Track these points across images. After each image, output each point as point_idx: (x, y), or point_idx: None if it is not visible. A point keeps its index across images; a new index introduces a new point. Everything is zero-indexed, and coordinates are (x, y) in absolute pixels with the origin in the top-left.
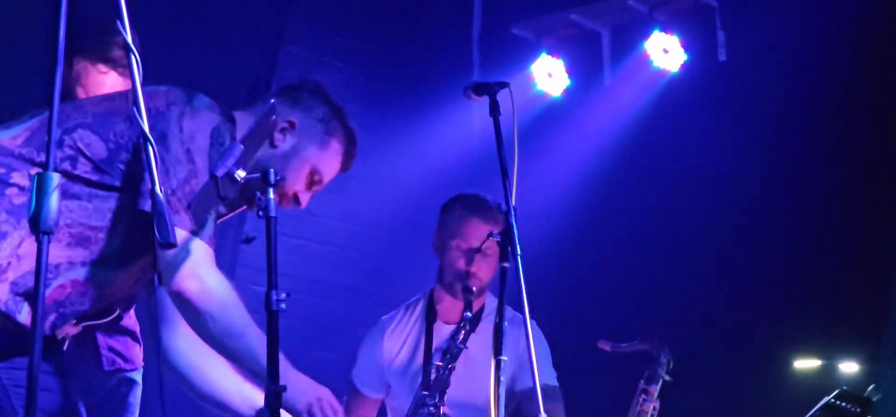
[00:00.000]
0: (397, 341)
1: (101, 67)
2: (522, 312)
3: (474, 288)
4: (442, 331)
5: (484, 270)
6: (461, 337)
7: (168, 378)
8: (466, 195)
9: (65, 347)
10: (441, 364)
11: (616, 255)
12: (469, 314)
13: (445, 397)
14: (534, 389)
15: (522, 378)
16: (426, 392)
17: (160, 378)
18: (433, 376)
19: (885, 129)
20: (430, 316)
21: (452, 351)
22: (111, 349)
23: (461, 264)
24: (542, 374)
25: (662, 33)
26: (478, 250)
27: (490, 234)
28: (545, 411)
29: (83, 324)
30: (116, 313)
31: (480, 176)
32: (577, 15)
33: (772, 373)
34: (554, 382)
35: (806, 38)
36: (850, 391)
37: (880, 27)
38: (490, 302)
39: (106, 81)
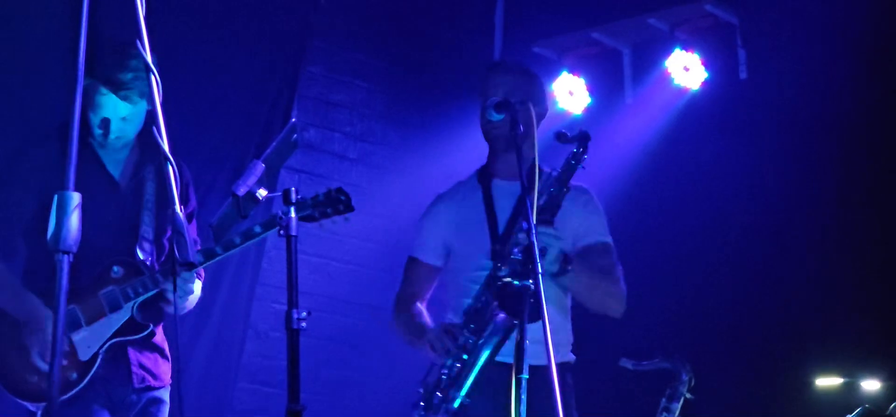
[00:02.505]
0: (456, 207)
1: (102, 90)
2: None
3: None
4: (500, 187)
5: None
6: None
7: (189, 395)
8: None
9: (97, 364)
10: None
11: (638, 272)
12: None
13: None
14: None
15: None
16: (499, 265)
17: (179, 395)
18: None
19: None
20: (486, 179)
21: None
22: (141, 365)
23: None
24: (598, 234)
25: (683, 51)
26: (524, 102)
27: (511, 252)
28: (600, 268)
29: (117, 339)
30: (150, 329)
31: None
32: (598, 33)
33: (794, 392)
34: (608, 240)
35: (828, 55)
36: (873, 409)
37: None
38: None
39: (105, 104)
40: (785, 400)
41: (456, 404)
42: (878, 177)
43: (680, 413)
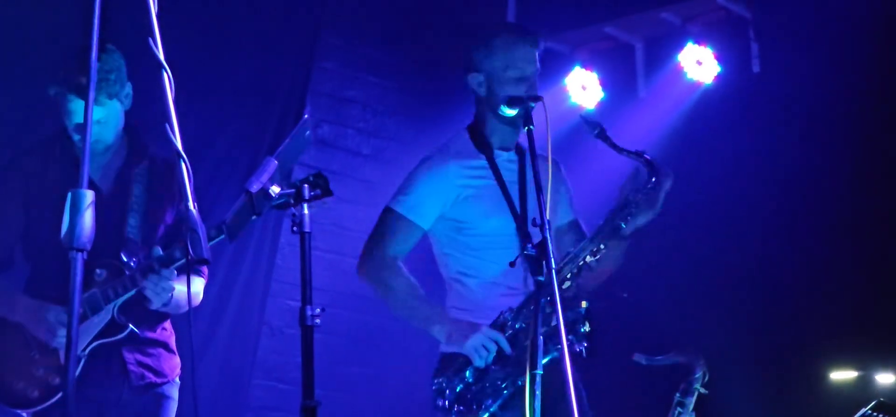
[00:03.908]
0: (457, 174)
1: (70, 96)
2: (557, 317)
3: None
4: (501, 158)
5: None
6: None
7: (203, 392)
8: (505, 23)
9: (79, 366)
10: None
11: (650, 268)
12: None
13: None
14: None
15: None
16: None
17: (194, 392)
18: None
19: None
20: (487, 148)
21: None
22: (140, 363)
23: (521, 89)
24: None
25: (696, 45)
26: (531, 76)
27: (525, 247)
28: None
29: (98, 341)
30: (129, 329)
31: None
32: (611, 28)
33: (808, 385)
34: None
35: (840, 48)
36: (888, 401)
37: None
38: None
39: (75, 110)
40: (800, 394)
41: None
42: (892, 170)
43: (694, 408)
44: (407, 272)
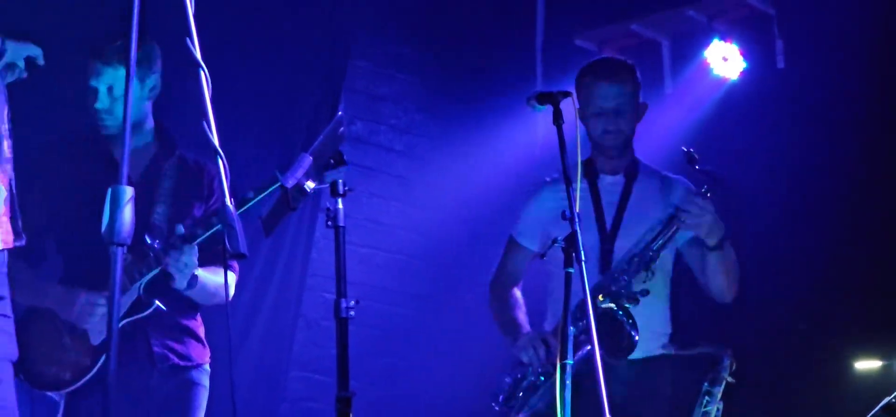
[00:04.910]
0: (562, 196)
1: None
2: (587, 316)
3: (613, 144)
4: (605, 181)
5: (621, 124)
6: None
7: (241, 383)
8: (594, 62)
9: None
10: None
11: (678, 261)
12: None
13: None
14: None
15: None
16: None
17: (232, 383)
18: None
19: None
20: (591, 172)
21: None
22: (164, 345)
23: (597, 126)
24: None
25: (722, 42)
26: (606, 111)
27: (554, 240)
28: None
29: (127, 320)
30: (154, 305)
31: None
32: (638, 26)
33: (833, 375)
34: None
35: (864, 43)
36: None
37: None
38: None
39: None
40: (825, 384)
41: (521, 416)
42: None
43: (722, 397)
44: (512, 295)
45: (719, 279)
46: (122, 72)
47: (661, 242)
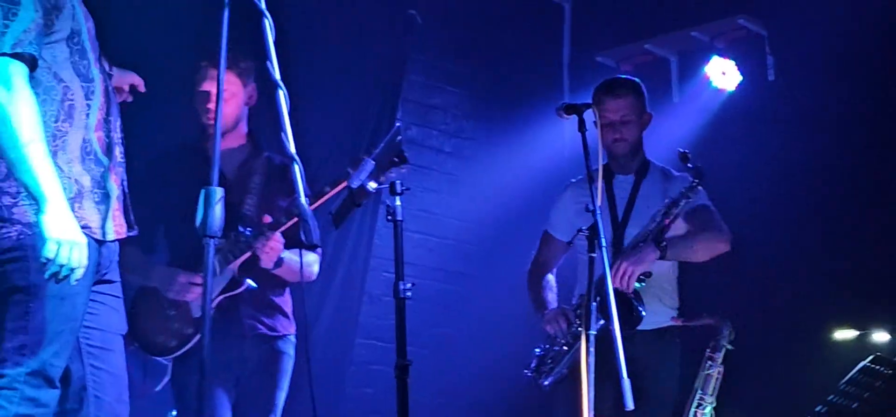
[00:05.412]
0: (583, 194)
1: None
2: (606, 293)
3: (620, 152)
4: (619, 180)
5: (625, 133)
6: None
7: (315, 349)
8: (603, 81)
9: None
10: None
11: None
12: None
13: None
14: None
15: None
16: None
17: (307, 349)
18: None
19: None
20: (608, 173)
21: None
22: (254, 317)
23: (607, 135)
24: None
25: (721, 58)
26: (613, 122)
27: (579, 230)
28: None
29: (223, 296)
30: (245, 283)
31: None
32: (650, 45)
33: (815, 343)
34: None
35: (843, 59)
36: (883, 356)
37: None
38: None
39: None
40: (808, 351)
41: (547, 381)
42: (886, 161)
43: (722, 362)
44: (545, 279)
45: (694, 258)
46: (230, 76)
47: (665, 223)
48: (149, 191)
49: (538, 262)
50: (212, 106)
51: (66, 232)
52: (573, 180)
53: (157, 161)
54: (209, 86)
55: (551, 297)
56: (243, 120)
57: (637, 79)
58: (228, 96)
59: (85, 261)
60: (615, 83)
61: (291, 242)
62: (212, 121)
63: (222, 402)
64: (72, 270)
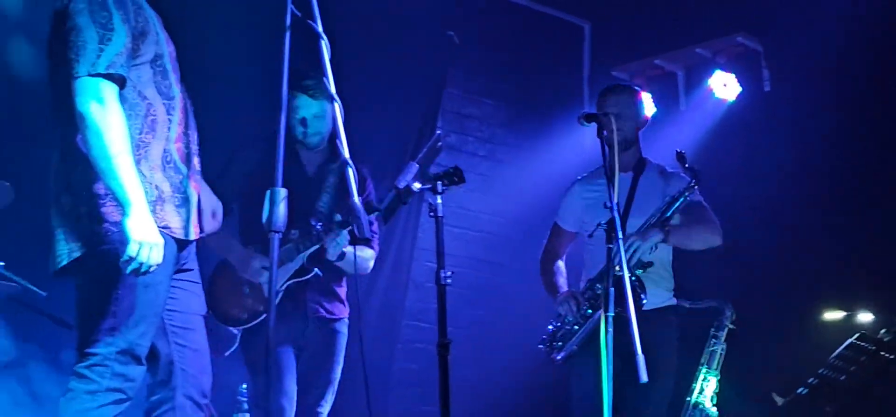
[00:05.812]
0: (587, 189)
1: (297, 94)
2: (622, 283)
3: (618, 140)
4: (619, 177)
5: (620, 124)
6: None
7: (367, 330)
8: (607, 86)
9: (278, 297)
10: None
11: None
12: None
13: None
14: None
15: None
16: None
17: (360, 333)
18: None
19: None
20: (611, 172)
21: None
22: (317, 302)
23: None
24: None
25: (722, 72)
26: (606, 114)
27: (599, 224)
28: (695, 219)
29: (292, 281)
30: (314, 272)
31: None
32: (660, 60)
33: (805, 324)
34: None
35: (831, 72)
36: (868, 334)
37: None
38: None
39: (300, 105)
40: (801, 330)
41: (560, 356)
42: (870, 163)
43: (725, 340)
44: (555, 265)
45: (691, 246)
46: (321, 102)
47: (668, 214)
48: (234, 173)
49: (548, 250)
50: (310, 130)
51: (147, 236)
52: (579, 177)
53: (243, 147)
54: (305, 112)
55: (562, 281)
56: (328, 130)
57: (636, 86)
58: (326, 116)
59: (161, 259)
60: (614, 85)
61: (354, 239)
62: (311, 140)
63: (289, 369)
64: (150, 267)
